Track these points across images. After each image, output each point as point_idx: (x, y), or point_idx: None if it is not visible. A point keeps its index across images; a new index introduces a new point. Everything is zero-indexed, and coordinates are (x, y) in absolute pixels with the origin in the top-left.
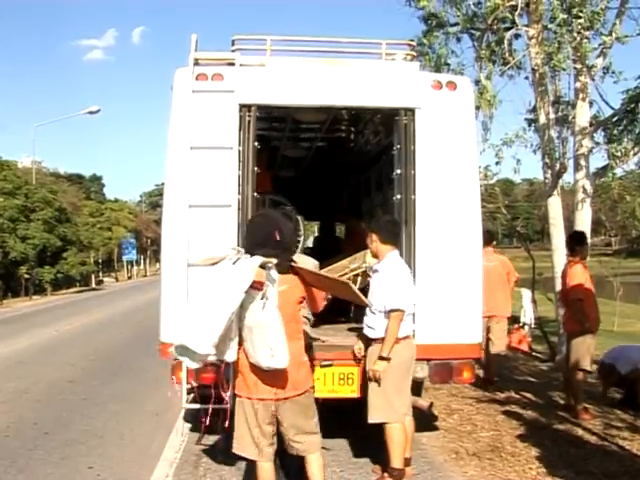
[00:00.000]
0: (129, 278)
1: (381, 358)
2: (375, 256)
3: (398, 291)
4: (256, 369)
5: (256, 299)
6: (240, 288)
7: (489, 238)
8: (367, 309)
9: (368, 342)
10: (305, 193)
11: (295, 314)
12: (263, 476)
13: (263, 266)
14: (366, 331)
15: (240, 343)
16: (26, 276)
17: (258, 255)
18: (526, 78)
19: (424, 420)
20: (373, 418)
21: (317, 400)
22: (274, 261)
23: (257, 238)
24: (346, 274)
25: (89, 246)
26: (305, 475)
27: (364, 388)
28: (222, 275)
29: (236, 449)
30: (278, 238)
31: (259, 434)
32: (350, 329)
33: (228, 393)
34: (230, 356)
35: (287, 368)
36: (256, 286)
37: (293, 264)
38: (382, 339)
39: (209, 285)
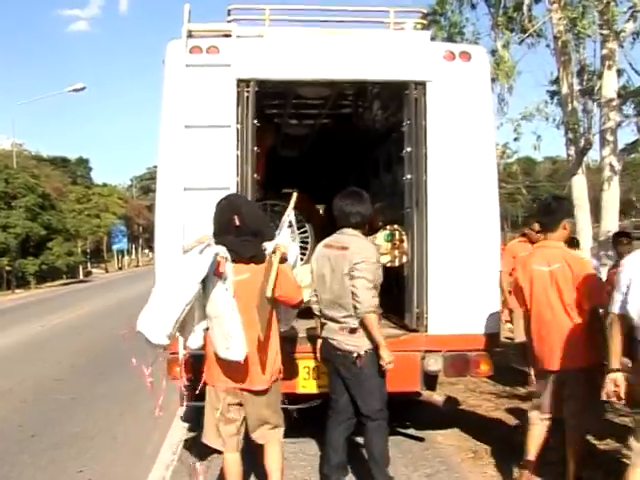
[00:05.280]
0: (120, 269)
1: None
2: None
3: None
4: (219, 359)
5: (218, 287)
6: (194, 279)
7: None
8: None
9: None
10: (309, 174)
11: (260, 304)
12: (227, 466)
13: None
14: None
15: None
16: (8, 268)
17: (223, 240)
18: (547, 46)
19: (439, 417)
20: None
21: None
22: (225, 255)
23: (220, 224)
24: None
25: (76, 235)
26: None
27: None
28: (182, 264)
29: (203, 438)
30: (237, 223)
31: (222, 423)
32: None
33: None
34: (193, 342)
35: (249, 360)
36: (219, 274)
37: (254, 254)
38: None
39: (169, 274)
